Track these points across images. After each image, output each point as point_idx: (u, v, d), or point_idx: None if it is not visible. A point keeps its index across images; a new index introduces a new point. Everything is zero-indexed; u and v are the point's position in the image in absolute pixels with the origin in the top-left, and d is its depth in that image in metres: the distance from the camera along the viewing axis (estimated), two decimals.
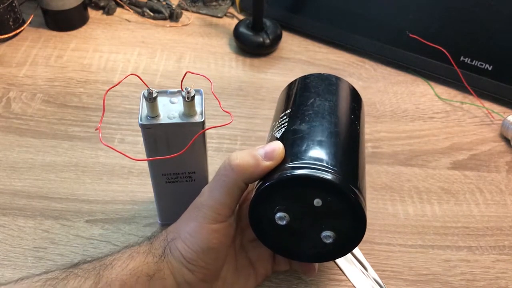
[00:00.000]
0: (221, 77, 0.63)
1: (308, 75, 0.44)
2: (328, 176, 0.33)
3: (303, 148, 0.35)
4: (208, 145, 0.44)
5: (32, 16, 0.67)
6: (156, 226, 0.46)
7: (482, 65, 0.61)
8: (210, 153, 0.51)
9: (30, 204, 0.47)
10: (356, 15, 0.66)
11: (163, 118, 0.37)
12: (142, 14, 0.71)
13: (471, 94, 0.61)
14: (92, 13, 0.71)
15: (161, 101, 0.38)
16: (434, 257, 0.45)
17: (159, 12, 0.71)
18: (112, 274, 0.34)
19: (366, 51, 0.67)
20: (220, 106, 0.38)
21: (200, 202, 0.36)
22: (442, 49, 0.61)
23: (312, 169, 0.33)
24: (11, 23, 0.65)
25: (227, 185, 0.35)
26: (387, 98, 0.62)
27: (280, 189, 0.34)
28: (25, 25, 0.66)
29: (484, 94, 0.62)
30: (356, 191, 0.33)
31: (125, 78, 0.39)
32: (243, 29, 0.66)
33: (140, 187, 0.49)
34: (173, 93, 0.39)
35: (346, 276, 0.44)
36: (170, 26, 0.70)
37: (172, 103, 0.38)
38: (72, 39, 0.67)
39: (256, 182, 0.36)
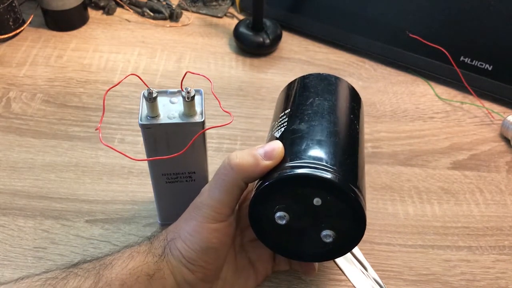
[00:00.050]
0: (221, 77, 0.63)
1: (307, 75, 0.44)
2: (328, 175, 0.33)
3: (303, 147, 0.35)
4: (208, 145, 0.44)
5: (32, 16, 0.67)
6: (156, 226, 0.46)
7: (482, 65, 0.61)
8: (210, 153, 0.51)
9: (30, 204, 0.47)
10: (356, 15, 0.66)
11: (163, 118, 0.37)
12: (142, 14, 0.71)
13: (471, 94, 0.61)
14: (92, 13, 0.71)
15: (161, 101, 0.38)
16: (434, 257, 0.45)
17: (159, 12, 0.71)
18: (112, 273, 0.34)
19: (366, 51, 0.67)
20: (220, 106, 0.38)
21: (200, 202, 0.36)
22: (442, 49, 0.61)
23: (311, 168, 0.33)
24: (11, 23, 0.65)
25: (227, 184, 0.35)
26: (387, 98, 0.62)
27: (280, 189, 0.34)
28: (25, 25, 0.66)
29: (484, 94, 0.62)
30: (356, 190, 0.33)
31: (125, 78, 0.39)
32: (243, 29, 0.66)
33: (140, 187, 0.49)
34: (173, 93, 0.39)
35: (346, 276, 0.44)
36: (170, 26, 0.70)
37: (172, 103, 0.38)
38: (72, 39, 0.67)
39: (256, 182, 0.36)
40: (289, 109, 0.40)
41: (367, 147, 0.55)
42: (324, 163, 0.34)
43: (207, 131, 0.38)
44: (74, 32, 0.68)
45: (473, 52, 0.61)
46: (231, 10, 0.74)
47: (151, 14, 0.71)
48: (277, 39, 0.66)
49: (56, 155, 0.52)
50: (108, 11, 0.71)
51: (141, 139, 0.38)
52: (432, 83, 0.64)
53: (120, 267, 0.34)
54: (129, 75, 0.39)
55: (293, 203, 0.34)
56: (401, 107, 0.61)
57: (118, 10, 0.72)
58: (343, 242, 0.35)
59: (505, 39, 0.59)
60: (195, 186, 0.40)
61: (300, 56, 0.67)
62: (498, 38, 0.60)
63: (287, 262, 0.42)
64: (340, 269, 0.44)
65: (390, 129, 0.58)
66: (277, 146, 0.35)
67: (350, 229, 0.35)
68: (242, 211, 0.40)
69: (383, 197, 0.50)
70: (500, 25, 0.59)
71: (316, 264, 0.41)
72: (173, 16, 0.71)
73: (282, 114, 0.40)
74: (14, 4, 0.64)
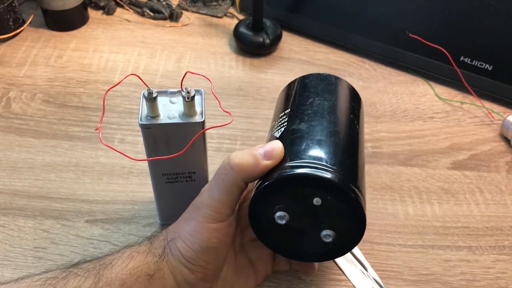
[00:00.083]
0: (221, 77, 0.63)
1: (307, 75, 0.44)
2: (328, 175, 0.33)
3: (303, 147, 0.35)
4: (208, 145, 0.44)
5: (32, 16, 0.67)
6: (156, 226, 0.46)
7: (482, 65, 0.61)
8: (210, 153, 0.51)
9: (30, 204, 0.47)
10: (356, 15, 0.66)
11: (163, 118, 0.37)
12: (142, 14, 0.71)
13: (471, 94, 0.61)
14: (92, 13, 0.71)
15: (161, 101, 0.38)
16: (434, 257, 0.45)
17: (159, 12, 0.71)
18: (112, 273, 0.34)
19: (366, 51, 0.67)
20: (220, 106, 0.38)
21: (200, 202, 0.36)
22: (442, 49, 0.61)
23: (311, 168, 0.33)
24: (11, 23, 0.65)
25: (227, 184, 0.35)
26: (387, 98, 0.62)
27: (280, 188, 0.34)
28: (25, 25, 0.66)
29: (484, 94, 0.62)
30: (356, 190, 0.33)
31: (125, 78, 0.39)
32: (243, 29, 0.66)
33: (140, 187, 0.49)
34: (173, 93, 0.39)
35: (346, 276, 0.44)
36: (170, 26, 0.70)
37: (172, 103, 0.38)
38: (72, 39, 0.67)
39: (256, 182, 0.36)
40: (289, 109, 0.40)
41: (367, 147, 0.55)
42: (324, 163, 0.34)
43: (207, 131, 0.38)
44: (74, 32, 0.68)
45: (473, 52, 0.61)
46: (231, 10, 0.74)
47: (151, 14, 0.71)
48: (277, 39, 0.66)
49: (56, 155, 0.52)
50: (108, 11, 0.71)
51: (141, 139, 0.38)
52: (432, 83, 0.64)
53: (120, 267, 0.34)
54: (129, 75, 0.39)
55: (293, 203, 0.34)
56: (401, 107, 0.61)
57: (118, 10, 0.72)
58: (343, 242, 0.35)
59: (505, 39, 0.59)
60: (195, 186, 0.40)
61: (300, 56, 0.67)
62: (498, 38, 0.60)
63: (287, 262, 0.42)
64: (340, 269, 0.44)
65: (390, 129, 0.58)
66: (277, 146, 0.35)
67: (350, 229, 0.35)
68: (242, 211, 0.40)
69: (383, 197, 0.50)
70: (500, 25, 0.59)
71: (316, 264, 0.41)
72: (173, 16, 0.71)
73: (282, 114, 0.40)
74: (14, 4, 0.64)
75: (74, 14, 0.67)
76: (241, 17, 0.72)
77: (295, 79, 0.44)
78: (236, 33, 0.66)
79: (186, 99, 0.36)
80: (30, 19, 0.67)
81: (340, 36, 0.67)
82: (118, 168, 0.51)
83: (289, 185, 0.34)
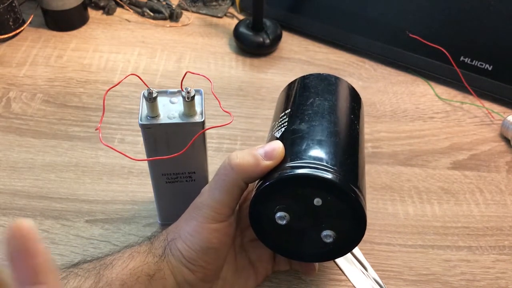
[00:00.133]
0: (221, 77, 0.63)
1: (307, 75, 0.44)
2: (328, 176, 0.33)
3: (303, 147, 0.35)
4: (208, 145, 0.44)
5: (32, 16, 0.67)
6: (156, 226, 0.46)
7: (482, 65, 0.61)
8: (210, 153, 0.51)
9: (30, 204, 0.47)
10: (356, 15, 0.66)
11: (163, 118, 0.37)
12: (142, 14, 0.71)
13: (471, 94, 0.61)
14: (92, 13, 0.71)
15: (161, 101, 0.38)
16: (434, 257, 0.45)
17: (159, 12, 0.71)
18: (113, 273, 0.34)
19: (366, 51, 0.67)
20: (220, 106, 0.38)
21: (200, 202, 0.36)
22: (442, 49, 0.61)
23: (312, 168, 0.33)
24: (11, 23, 0.65)
25: (227, 184, 0.35)
26: (387, 98, 0.62)
27: (280, 189, 0.34)
28: (25, 25, 0.66)
29: (484, 94, 0.62)
30: (356, 190, 0.33)
31: (125, 78, 0.39)
32: (243, 29, 0.66)
33: (140, 187, 0.49)
34: (173, 93, 0.39)
35: (346, 276, 0.44)
36: (170, 26, 0.70)
37: (172, 103, 0.38)
38: (72, 39, 0.67)
39: (256, 182, 0.36)
40: (290, 109, 0.40)
41: (367, 147, 0.55)
42: (325, 163, 0.34)
43: (207, 131, 0.38)
44: (74, 32, 0.68)
45: (473, 52, 0.61)
46: (231, 10, 0.74)
47: (151, 14, 0.71)
48: (277, 39, 0.66)
49: (56, 155, 0.52)
50: (108, 11, 0.71)
51: (141, 139, 0.38)
52: (432, 83, 0.64)
53: (120, 267, 0.34)
54: (129, 75, 0.39)
55: (293, 203, 0.34)
56: (401, 107, 0.61)
57: (118, 10, 0.72)
58: (343, 242, 0.35)
59: (505, 39, 0.59)
60: (195, 186, 0.40)
61: (300, 56, 0.67)
62: (498, 38, 0.60)
63: (287, 262, 0.42)
64: (340, 269, 0.44)
65: (390, 129, 0.58)
66: (278, 146, 0.35)
67: (351, 229, 0.35)
68: (242, 211, 0.40)
69: (383, 197, 0.50)
70: (500, 25, 0.59)
71: (316, 264, 0.41)
72: (173, 16, 0.71)
73: (282, 114, 0.40)
74: (14, 4, 0.64)
75: (74, 14, 0.67)
76: (241, 17, 0.72)
77: (295, 79, 0.44)
78: (236, 33, 0.66)
79: (186, 99, 0.36)
80: (30, 19, 0.67)
81: (340, 36, 0.67)
82: (118, 168, 0.51)
83: (290, 186, 0.34)
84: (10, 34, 0.65)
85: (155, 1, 0.72)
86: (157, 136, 0.37)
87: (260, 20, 0.65)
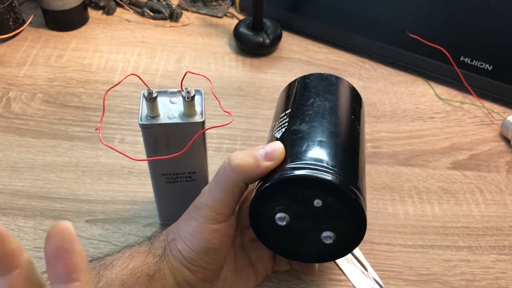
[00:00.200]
0: (221, 77, 0.63)
1: (308, 75, 0.44)
2: (328, 177, 0.33)
3: (303, 148, 0.35)
4: (208, 145, 0.44)
5: (32, 16, 0.67)
6: (156, 226, 0.46)
7: (482, 65, 0.61)
8: (210, 153, 0.51)
9: (30, 204, 0.47)
10: (356, 15, 0.66)
11: (163, 118, 0.37)
12: (142, 14, 0.71)
13: (471, 94, 0.61)
14: (92, 13, 0.71)
15: (161, 101, 0.38)
16: (434, 257, 0.45)
17: (159, 12, 0.71)
18: (112, 274, 0.34)
19: (366, 51, 0.67)
20: (220, 106, 0.38)
21: (200, 202, 0.36)
22: (442, 49, 0.61)
23: (312, 169, 0.33)
24: (11, 23, 0.65)
25: (227, 185, 0.35)
26: (387, 98, 0.62)
27: (280, 190, 0.34)
28: (25, 25, 0.66)
29: (484, 94, 0.62)
30: (356, 191, 0.33)
31: (125, 78, 0.39)
32: (243, 29, 0.66)
33: (140, 187, 0.49)
34: (173, 93, 0.39)
35: (346, 276, 0.44)
36: (170, 26, 0.70)
37: (172, 103, 0.38)
38: (72, 39, 0.67)
39: (256, 183, 0.36)
40: (290, 109, 0.40)
41: (367, 147, 0.55)
42: (325, 164, 0.34)
43: (207, 131, 0.38)
44: (74, 32, 0.68)
45: (473, 52, 0.61)
46: (231, 10, 0.74)
47: (151, 14, 0.71)
48: (277, 39, 0.66)
49: (56, 155, 0.52)
50: (108, 11, 0.71)
51: (141, 139, 0.38)
52: (432, 83, 0.64)
53: (120, 267, 0.34)
54: (129, 75, 0.39)
55: (293, 204, 0.34)
56: (401, 107, 0.61)
57: (118, 10, 0.72)
58: (343, 243, 0.35)
59: (505, 39, 0.59)
60: (195, 186, 0.40)
61: (300, 56, 0.67)
62: (498, 38, 0.60)
63: (287, 262, 0.42)
64: (340, 269, 0.44)
65: (390, 129, 0.58)
66: (278, 147, 0.35)
67: (351, 230, 0.35)
68: (242, 212, 0.40)
69: (383, 197, 0.50)
70: (500, 25, 0.59)
71: (316, 264, 0.41)
72: (173, 16, 0.71)
73: (282, 115, 0.40)
74: (14, 4, 0.64)
75: (74, 14, 0.67)
76: (241, 17, 0.72)
77: (296, 79, 0.44)
78: (236, 33, 0.66)
79: (186, 99, 0.36)
80: (30, 19, 0.67)
81: (340, 36, 0.67)
82: (118, 168, 0.51)
83: (290, 187, 0.34)
84: (10, 34, 0.65)
85: (155, 1, 0.72)
86: (157, 136, 0.37)
87: (260, 20, 0.65)
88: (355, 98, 0.43)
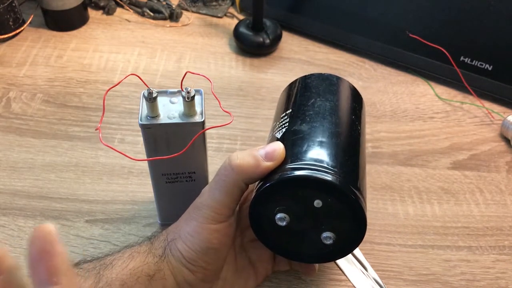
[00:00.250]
0: (221, 77, 0.63)
1: (308, 75, 0.44)
2: (328, 177, 0.33)
3: (304, 148, 0.35)
4: (208, 145, 0.44)
5: (32, 16, 0.67)
6: (156, 226, 0.46)
7: (482, 65, 0.61)
8: (210, 153, 0.51)
9: (30, 204, 0.47)
10: (356, 15, 0.66)
11: (163, 118, 0.37)
12: (142, 14, 0.71)
13: (471, 94, 0.61)
14: (92, 13, 0.71)
15: (161, 101, 0.38)
16: (434, 257, 0.45)
17: (159, 12, 0.71)
18: (113, 274, 0.34)
19: (366, 51, 0.67)
20: (220, 106, 0.38)
21: (200, 202, 0.36)
22: (442, 49, 0.61)
23: (312, 170, 0.33)
24: (11, 23, 0.65)
25: (227, 185, 0.35)
26: (387, 98, 0.62)
27: (280, 190, 0.34)
28: (25, 25, 0.66)
29: (484, 94, 0.62)
30: (356, 192, 0.33)
31: (125, 78, 0.39)
32: (243, 29, 0.66)
33: (140, 187, 0.49)
34: (173, 93, 0.39)
35: (346, 276, 0.44)
36: (170, 26, 0.70)
37: (172, 103, 0.38)
38: (72, 39, 0.67)
39: (257, 183, 0.36)
40: (291, 110, 0.40)
41: (367, 147, 0.55)
42: (325, 165, 0.33)
43: (207, 131, 0.38)
44: (74, 32, 0.68)
45: (473, 52, 0.61)
46: (231, 10, 0.74)
47: (151, 14, 0.71)
48: (277, 39, 0.66)
49: (56, 155, 0.52)
50: (108, 11, 0.71)
51: (141, 139, 0.38)
52: (432, 83, 0.64)
53: (120, 267, 0.34)
54: (129, 75, 0.39)
55: (293, 204, 0.34)
56: (401, 107, 0.61)
57: (118, 10, 0.72)
58: (343, 244, 0.35)
59: (505, 39, 0.59)
60: (195, 186, 0.40)
61: (300, 56, 0.67)
62: (498, 38, 0.60)
63: (287, 262, 0.42)
64: (340, 269, 0.44)
65: (390, 129, 0.58)
66: (278, 147, 0.35)
67: (351, 231, 0.35)
68: (242, 212, 0.40)
69: (383, 197, 0.50)
70: (500, 25, 0.59)
71: (317, 264, 0.41)
72: (173, 16, 0.71)
73: (283, 115, 0.40)
74: (14, 4, 0.64)
75: (74, 14, 0.67)
76: (241, 17, 0.72)
77: (297, 79, 0.44)
78: (236, 33, 0.66)
79: (186, 99, 0.36)
80: (30, 19, 0.67)
81: (340, 36, 0.67)
82: (118, 168, 0.51)
83: (290, 187, 0.34)
84: (10, 34, 0.65)
85: (155, 1, 0.72)
86: (157, 136, 0.37)
87: (260, 20, 0.65)
88: (356, 98, 0.43)
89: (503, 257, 0.46)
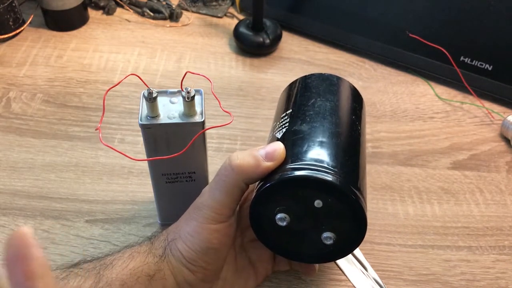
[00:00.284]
0: (221, 77, 0.63)
1: (309, 75, 0.44)
2: (329, 178, 0.33)
3: (304, 149, 0.35)
4: (208, 145, 0.44)
5: (32, 16, 0.67)
6: (156, 226, 0.46)
7: (482, 65, 0.61)
8: (210, 153, 0.51)
9: (30, 204, 0.47)
10: (356, 15, 0.66)
11: (163, 118, 0.37)
12: (142, 14, 0.71)
13: (471, 94, 0.61)
14: (92, 13, 0.71)
15: (161, 101, 0.38)
16: (434, 257, 0.45)
17: (159, 12, 0.71)
18: (113, 273, 0.34)
19: (366, 51, 0.67)
20: (220, 106, 0.38)
21: (200, 203, 0.36)
22: (442, 49, 0.61)
23: (312, 170, 0.33)
24: (11, 23, 0.65)
25: (227, 185, 0.35)
26: (387, 98, 0.62)
27: (281, 190, 0.34)
28: (25, 25, 0.66)
29: (484, 94, 0.62)
30: (357, 192, 0.33)
31: (125, 78, 0.39)
32: (243, 29, 0.66)
33: (140, 187, 0.49)
34: (173, 93, 0.39)
35: (346, 276, 0.44)
36: (170, 26, 0.70)
37: (172, 103, 0.38)
38: (72, 39, 0.67)
39: (257, 183, 0.36)
40: (291, 110, 0.40)
41: (367, 147, 0.55)
42: (325, 165, 0.33)
43: (207, 131, 0.38)
44: (74, 32, 0.68)
45: (473, 52, 0.61)
46: (231, 10, 0.74)
47: (151, 14, 0.71)
48: (277, 39, 0.66)
49: (56, 155, 0.52)
50: (108, 11, 0.71)
51: (141, 139, 0.38)
52: (432, 83, 0.64)
53: (120, 267, 0.34)
54: (129, 75, 0.39)
55: (293, 204, 0.34)
56: (401, 107, 0.61)
57: (118, 10, 0.72)
58: (343, 244, 0.35)
59: (505, 39, 0.59)
60: (195, 186, 0.40)
61: (300, 56, 0.67)
62: (498, 38, 0.60)
63: (287, 262, 0.42)
64: (340, 269, 0.44)
65: (390, 129, 0.58)
66: (278, 147, 0.35)
67: (351, 231, 0.35)
68: (242, 212, 0.40)
69: (383, 197, 0.50)
70: (500, 25, 0.59)
71: (317, 264, 0.41)
72: (173, 16, 0.71)
73: (283, 115, 0.40)
74: (14, 4, 0.64)
75: (74, 14, 0.67)
76: (241, 17, 0.72)
77: (297, 79, 0.44)
78: (236, 33, 0.66)
79: (186, 99, 0.36)
80: (30, 19, 0.67)
81: (340, 36, 0.67)
82: (118, 168, 0.51)
83: (290, 187, 0.34)
84: (10, 34, 0.65)
85: (155, 1, 0.72)
86: (157, 136, 0.37)
87: (260, 20, 0.65)
88: (356, 99, 0.43)
89: (503, 257, 0.46)
